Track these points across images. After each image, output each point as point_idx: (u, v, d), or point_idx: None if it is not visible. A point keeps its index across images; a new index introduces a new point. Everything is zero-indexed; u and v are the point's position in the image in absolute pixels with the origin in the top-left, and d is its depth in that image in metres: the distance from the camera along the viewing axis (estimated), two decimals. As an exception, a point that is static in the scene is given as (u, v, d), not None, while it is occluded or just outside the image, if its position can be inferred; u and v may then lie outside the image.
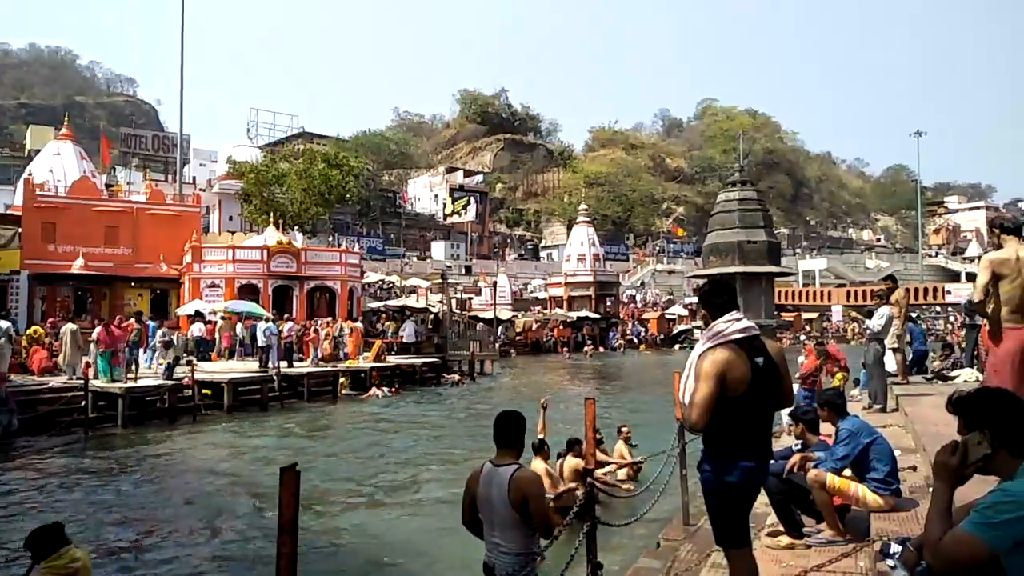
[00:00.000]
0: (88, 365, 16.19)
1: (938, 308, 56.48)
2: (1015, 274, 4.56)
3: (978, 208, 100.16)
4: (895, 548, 3.29)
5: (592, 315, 46.49)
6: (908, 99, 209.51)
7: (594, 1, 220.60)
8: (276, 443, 14.57)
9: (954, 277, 67.34)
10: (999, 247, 4.90)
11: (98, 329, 16.73)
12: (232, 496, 10.21)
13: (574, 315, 46.10)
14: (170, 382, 17.04)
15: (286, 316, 23.67)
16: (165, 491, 10.64)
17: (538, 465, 7.90)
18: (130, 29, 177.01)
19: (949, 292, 51.95)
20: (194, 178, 54.13)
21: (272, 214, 34.81)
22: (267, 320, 21.99)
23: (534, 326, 44.57)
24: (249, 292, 28.80)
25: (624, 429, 10.48)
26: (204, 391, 17.80)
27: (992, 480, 2.09)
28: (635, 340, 46.84)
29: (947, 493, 2.13)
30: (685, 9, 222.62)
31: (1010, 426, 2.03)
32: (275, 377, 19.59)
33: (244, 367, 21.29)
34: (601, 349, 42.78)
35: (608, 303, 49.85)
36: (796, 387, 9.76)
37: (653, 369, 31.63)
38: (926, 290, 55.21)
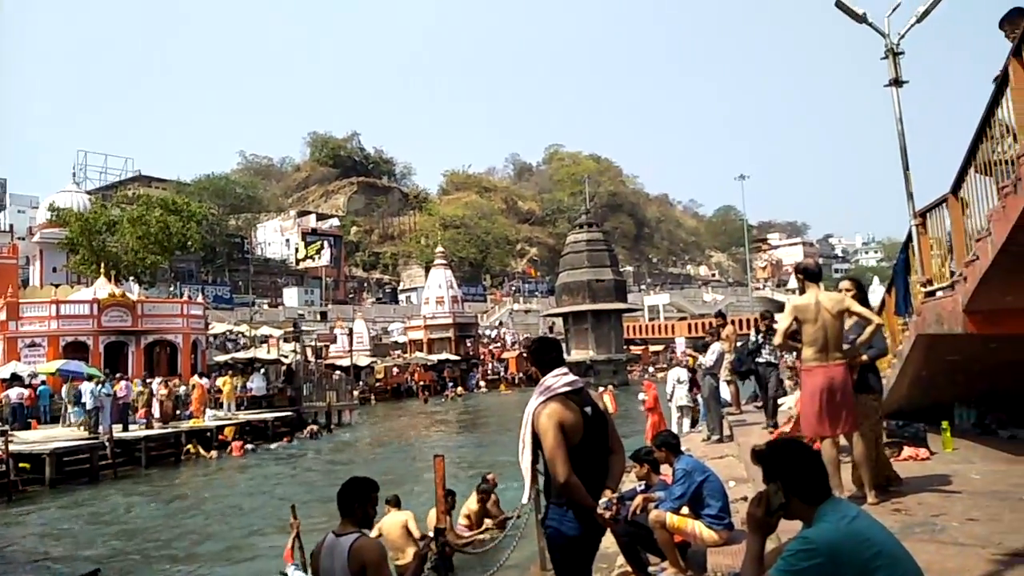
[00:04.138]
0: None
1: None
2: (816, 317, 5.09)
3: (796, 244, 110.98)
4: (726, 583, 3.52)
5: (452, 357, 46.49)
6: (733, 145, 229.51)
7: (440, 47, 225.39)
8: (102, 519, 13.25)
9: (780, 308, 73.68)
10: (804, 291, 5.44)
11: None
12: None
13: (434, 358, 45.88)
14: (-22, 458, 15.14)
15: (118, 376, 21.78)
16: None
17: (399, 517, 7.69)
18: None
19: (776, 321, 56.77)
20: (11, 226, 49.28)
21: (103, 265, 32.16)
22: (96, 380, 20.13)
23: (394, 371, 43.87)
24: (77, 350, 26.33)
25: (490, 477, 10.30)
26: (21, 464, 15.95)
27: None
28: (496, 380, 47.27)
29: (758, 541, 2.32)
30: (529, 57, 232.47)
31: (797, 477, 2.24)
32: (107, 443, 17.92)
33: (69, 434, 19.34)
34: (461, 391, 42.71)
35: (468, 344, 50.12)
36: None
37: (514, 409, 31.97)
38: (756, 320, 59.87)
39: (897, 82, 8.27)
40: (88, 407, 19.20)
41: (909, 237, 8.00)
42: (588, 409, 3.19)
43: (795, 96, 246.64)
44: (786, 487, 2.23)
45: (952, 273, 6.51)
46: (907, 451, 7.03)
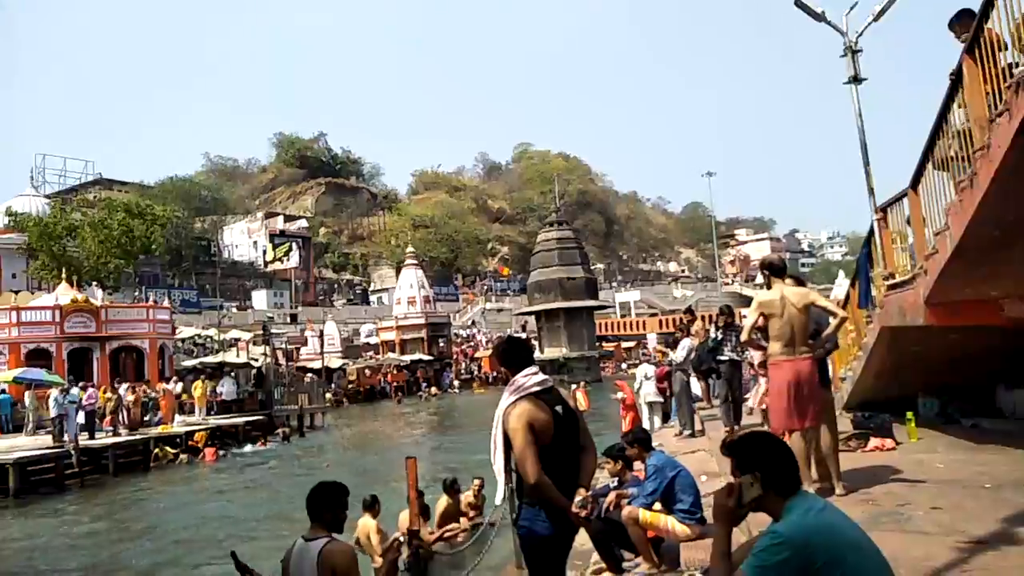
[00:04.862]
0: None
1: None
2: (782, 312, 5.17)
3: (763, 239, 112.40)
4: (698, 578, 3.56)
5: (425, 357, 46.32)
6: (700, 142, 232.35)
7: (407, 46, 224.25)
8: (70, 530, 12.96)
9: (748, 302, 74.49)
10: (769, 286, 5.52)
11: None
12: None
13: (407, 358, 45.67)
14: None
15: (81, 384, 21.31)
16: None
17: (368, 522, 7.68)
18: None
19: (744, 315, 57.49)
20: (-34, 232, 47.82)
21: (64, 270, 31.48)
22: (63, 389, 19.68)
23: (367, 373, 43.57)
24: (39, 357, 25.72)
25: (476, 482, 10.18)
26: (-17, 476, 15.58)
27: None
28: (470, 379, 47.20)
29: (726, 533, 2.33)
30: (497, 55, 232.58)
31: (777, 469, 2.27)
32: (73, 452, 17.51)
33: (34, 443, 18.90)
34: (435, 391, 42.57)
35: (441, 344, 49.97)
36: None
37: (488, 408, 31.81)
38: (714, 316, 60.52)
39: (856, 79, 8.43)
40: (52, 415, 18.77)
41: (871, 232, 8.16)
42: (559, 408, 3.19)
43: (760, 93, 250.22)
44: (764, 479, 2.25)
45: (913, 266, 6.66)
46: (873, 442, 7.17)
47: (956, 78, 5.08)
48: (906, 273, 6.98)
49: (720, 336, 9.19)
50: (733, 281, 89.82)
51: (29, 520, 13.86)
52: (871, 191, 8.32)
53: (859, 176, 8.61)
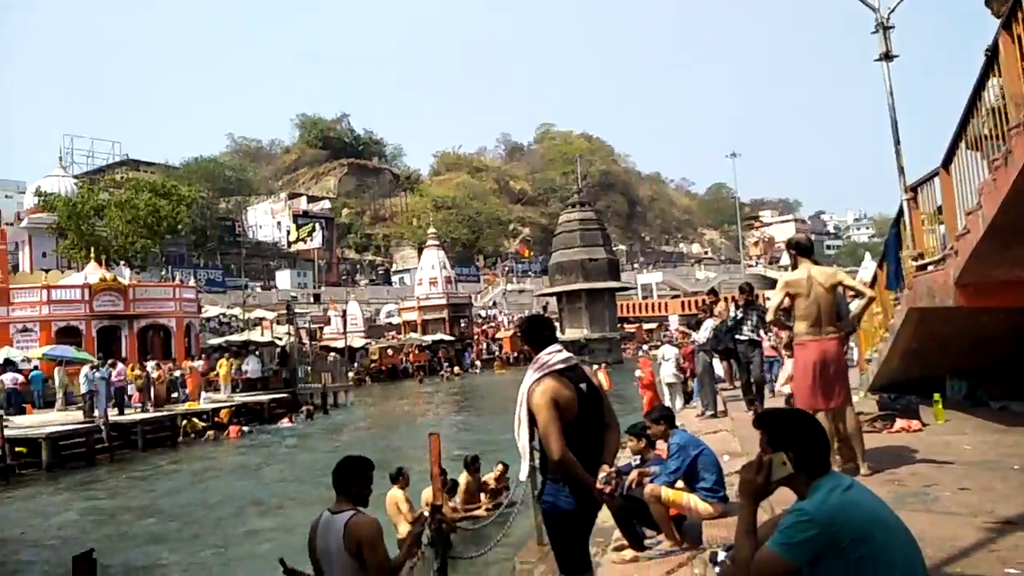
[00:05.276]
0: None
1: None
2: (808, 291, 5.11)
3: (788, 221, 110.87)
4: (722, 555, 3.57)
5: (447, 337, 46.52)
6: (724, 123, 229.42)
7: (428, 26, 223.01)
8: (98, 504, 13.26)
9: (772, 284, 73.73)
10: (796, 266, 5.47)
11: None
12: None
13: (429, 339, 45.91)
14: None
15: (110, 361, 21.71)
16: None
17: (396, 493, 7.79)
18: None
19: (768, 298, 56.91)
20: (-2, 211, 48.71)
21: (93, 249, 31.99)
22: (92, 366, 20.08)
23: (389, 352, 43.91)
24: (69, 335, 26.23)
25: (498, 468, 10.28)
26: (18, 449, 15.98)
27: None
28: (491, 360, 47.37)
29: (752, 509, 2.31)
30: (519, 36, 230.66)
31: (810, 449, 2.24)
32: (103, 427, 17.90)
33: (65, 418, 19.33)
34: (456, 371, 42.79)
35: (462, 324, 50.16)
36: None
37: (509, 388, 32.00)
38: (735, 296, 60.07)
39: (887, 56, 8.25)
40: (83, 391, 19.17)
41: (900, 212, 8.03)
42: (583, 385, 3.19)
43: (785, 73, 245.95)
44: (797, 459, 2.23)
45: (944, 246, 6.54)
46: (900, 423, 7.11)
47: (992, 55, 4.95)
48: (935, 254, 6.86)
49: (740, 315, 8.88)
50: (757, 263, 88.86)
51: (58, 495, 14.19)
52: (901, 170, 8.17)
53: (885, 158, 8.46)
